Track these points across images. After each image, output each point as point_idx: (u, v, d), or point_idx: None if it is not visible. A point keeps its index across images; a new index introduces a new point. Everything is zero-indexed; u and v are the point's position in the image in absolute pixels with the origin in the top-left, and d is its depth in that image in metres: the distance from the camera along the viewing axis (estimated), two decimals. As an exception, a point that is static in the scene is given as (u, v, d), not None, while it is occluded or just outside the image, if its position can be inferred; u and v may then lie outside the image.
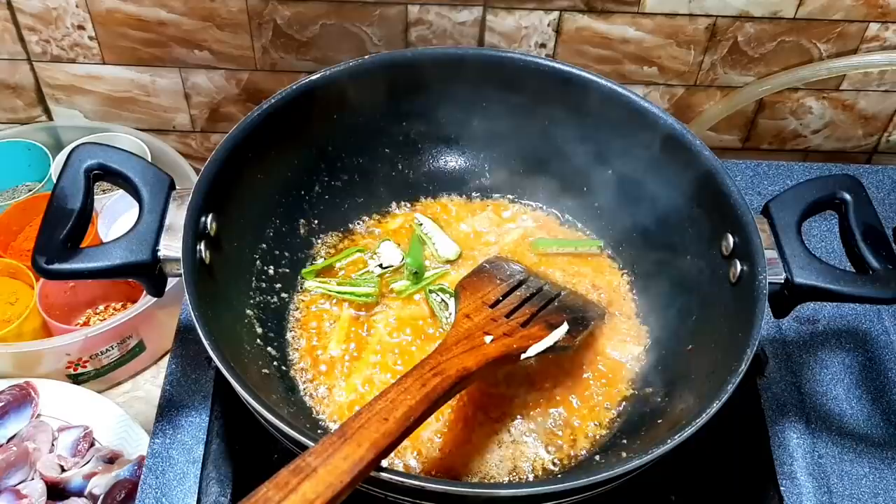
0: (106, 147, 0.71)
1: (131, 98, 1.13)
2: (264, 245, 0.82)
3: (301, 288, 0.84)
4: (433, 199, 0.92)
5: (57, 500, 0.86)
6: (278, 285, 0.82)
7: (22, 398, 0.93)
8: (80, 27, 1.04)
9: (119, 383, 1.02)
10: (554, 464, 0.73)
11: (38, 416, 0.94)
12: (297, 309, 0.82)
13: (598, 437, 0.75)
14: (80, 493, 0.87)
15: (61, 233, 0.67)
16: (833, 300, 0.71)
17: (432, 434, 0.74)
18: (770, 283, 0.68)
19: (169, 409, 0.79)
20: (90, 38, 1.05)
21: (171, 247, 0.67)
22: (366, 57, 0.82)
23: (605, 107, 0.82)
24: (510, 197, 0.92)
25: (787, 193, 0.75)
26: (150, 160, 0.92)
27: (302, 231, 0.86)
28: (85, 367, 0.97)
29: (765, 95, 1.09)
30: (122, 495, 0.84)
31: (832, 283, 0.70)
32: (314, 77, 0.80)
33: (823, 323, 0.91)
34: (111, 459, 0.90)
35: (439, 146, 0.91)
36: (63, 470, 0.89)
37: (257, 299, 0.79)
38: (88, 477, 0.87)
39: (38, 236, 0.67)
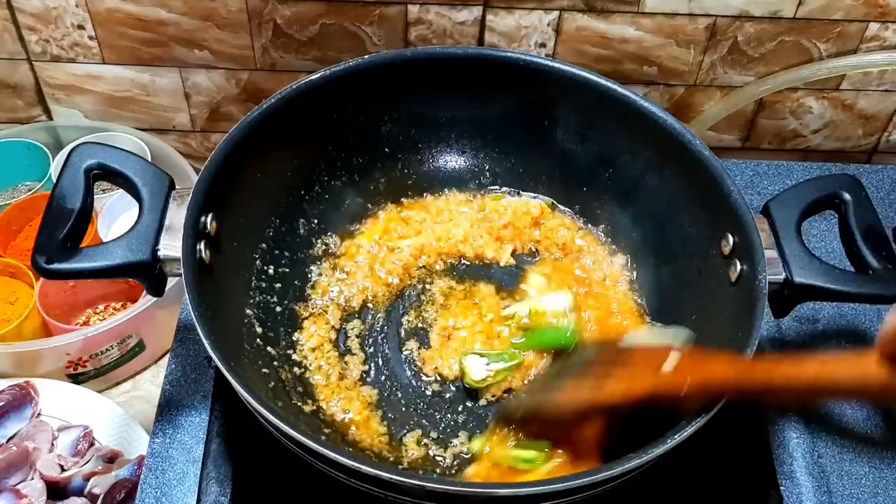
0: (106, 147, 0.71)
1: (131, 98, 1.13)
2: (264, 245, 0.81)
3: (302, 291, 0.83)
4: (434, 199, 0.92)
5: (57, 500, 0.86)
6: (278, 285, 0.82)
7: (22, 398, 0.93)
8: (80, 27, 1.04)
9: (119, 383, 1.02)
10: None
11: (38, 415, 0.94)
12: (298, 308, 0.82)
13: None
14: (80, 493, 0.87)
15: (61, 232, 0.67)
16: (833, 300, 0.71)
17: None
18: (770, 283, 0.68)
19: (169, 409, 0.79)
20: (90, 37, 1.05)
21: (171, 246, 0.67)
22: (366, 57, 0.82)
23: (604, 107, 0.82)
24: (510, 196, 0.92)
25: (786, 193, 0.75)
26: (150, 160, 0.92)
27: (302, 231, 0.86)
28: (85, 366, 0.97)
29: (765, 95, 1.09)
30: (122, 495, 0.84)
31: (832, 283, 0.70)
32: (314, 77, 0.80)
33: (823, 323, 0.91)
34: (111, 459, 0.90)
35: (439, 146, 0.91)
36: (63, 470, 0.89)
37: (257, 299, 0.79)
38: (88, 477, 0.87)
39: (38, 236, 0.67)
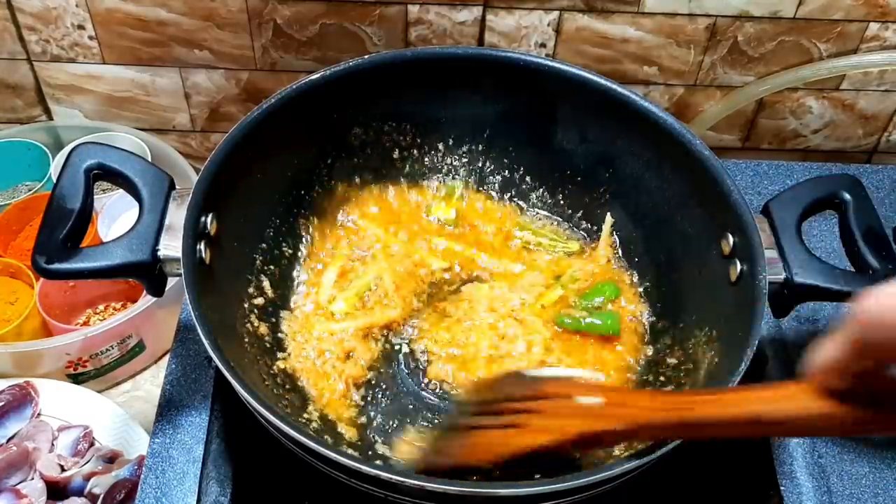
0: (106, 147, 0.71)
1: (131, 98, 1.13)
2: (264, 245, 0.82)
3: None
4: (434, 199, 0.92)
5: (57, 500, 0.86)
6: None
7: (22, 398, 0.93)
8: (80, 27, 1.04)
9: (119, 383, 1.02)
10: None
11: (38, 415, 0.94)
12: (297, 309, 0.82)
13: (598, 436, 0.75)
14: (80, 493, 0.87)
15: (61, 232, 0.67)
16: (833, 300, 0.71)
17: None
18: (770, 283, 0.68)
19: (169, 409, 0.79)
20: (90, 37, 1.05)
21: (171, 246, 0.67)
22: (365, 57, 0.82)
23: (604, 107, 0.82)
24: (509, 196, 0.92)
25: (787, 193, 0.75)
26: (150, 160, 0.92)
27: (302, 231, 0.86)
28: (85, 366, 0.97)
29: (765, 95, 1.09)
30: (122, 495, 0.84)
31: (832, 283, 0.70)
32: (314, 77, 0.80)
33: (823, 323, 0.91)
34: (111, 459, 0.90)
35: (439, 146, 0.91)
36: (63, 470, 0.89)
37: (257, 299, 0.79)
38: (88, 477, 0.87)
39: (38, 236, 0.67)
